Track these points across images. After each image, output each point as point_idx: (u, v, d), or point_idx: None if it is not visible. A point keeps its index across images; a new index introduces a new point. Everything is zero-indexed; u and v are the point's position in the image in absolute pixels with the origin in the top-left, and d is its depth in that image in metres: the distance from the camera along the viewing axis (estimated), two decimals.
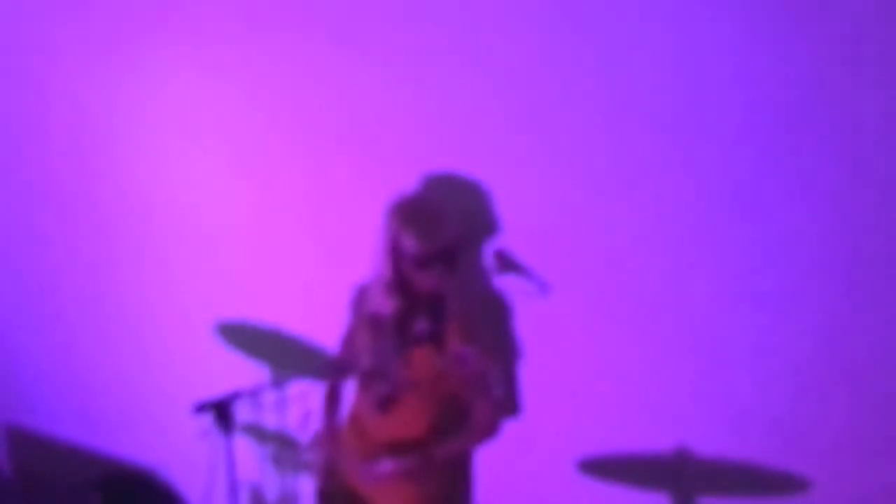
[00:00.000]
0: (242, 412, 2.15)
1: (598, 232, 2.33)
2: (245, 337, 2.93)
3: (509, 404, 2.51)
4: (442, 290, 2.26)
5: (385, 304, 2.29)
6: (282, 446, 2.98)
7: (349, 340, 2.46)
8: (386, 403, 2.37)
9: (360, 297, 2.43)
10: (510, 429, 2.46)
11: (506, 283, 2.45)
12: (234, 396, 2.05)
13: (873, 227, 2.08)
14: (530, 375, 2.52)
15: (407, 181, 2.42)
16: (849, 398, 2.22)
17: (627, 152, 2.24)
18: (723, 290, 2.26)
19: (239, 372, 2.85)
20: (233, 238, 2.87)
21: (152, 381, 3.19)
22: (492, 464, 2.62)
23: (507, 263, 2.42)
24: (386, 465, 2.34)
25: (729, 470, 2.36)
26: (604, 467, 2.49)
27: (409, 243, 2.20)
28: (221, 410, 2.04)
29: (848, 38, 1.96)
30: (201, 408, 2.02)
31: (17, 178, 3.25)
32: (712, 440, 2.37)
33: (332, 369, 2.33)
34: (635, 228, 2.29)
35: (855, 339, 2.17)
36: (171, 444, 3.09)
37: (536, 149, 2.33)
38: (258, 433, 3.01)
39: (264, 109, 2.67)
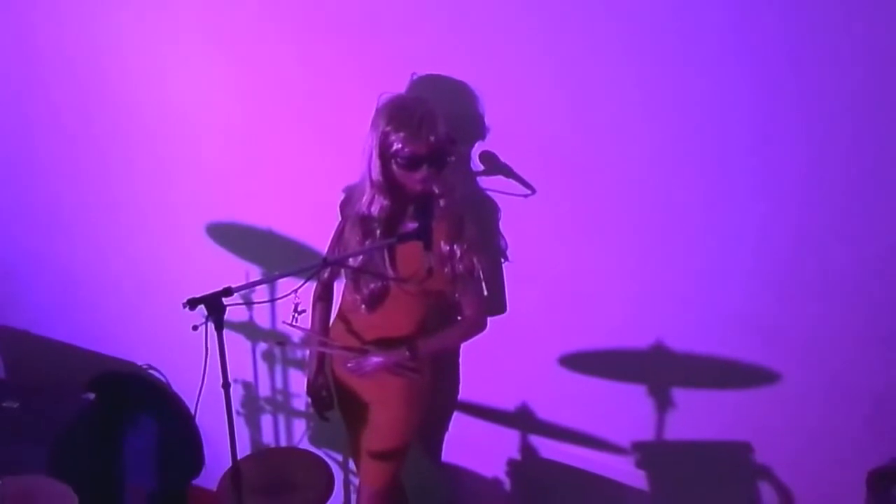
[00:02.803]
0: (234, 310, 2.16)
1: (585, 134, 2.34)
2: (236, 237, 2.94)
3: (494, 301, 2.56)
4: (430, 190, 2.29)
5: (374, 204, 2.32)
6: (273, 343, 3.03)
7: (338, 240, 2.48)
8: (374, 301, 2.42)
9: (349, 198, 2.45)
10: (494, 325, 2.53)
11: (492, 184, 2.48)
12: (225, 292, 2.03)
13: (853, 159, 2.14)
14: (515, 273, 2.57)
15: (397, 82, 2.41)
16: (823, 301, 2.30)
17: (617, 57, 2.23)
18: (706, 194, 2.30)
19: (230, 272, 2.89)
20: (224, 137, 2.85)
21: (143, 279, 3.20)
22: (476, 358, 2.70)
23: (494, 164, 2.44)
24: (374, 359, 2.41)
25: (705, 365, 2.44)
26: (583, 361, 2.57)
27: (399, 144, 2.21)
28: (212, 306, 2.01)
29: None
30: (192, 303, 2.00)
31: (2, 83, 3.20)
32: (691, 339, 2.45)
33: (322, 268, 2.37)
34: (624, 132, 2.30)
35: (830, 245, 2.23)
36: (164, 343, 3.12)
37: (526, 52, 2.32)
38: (250, 331, 3.06)
39: (258, 6, 2.62)
